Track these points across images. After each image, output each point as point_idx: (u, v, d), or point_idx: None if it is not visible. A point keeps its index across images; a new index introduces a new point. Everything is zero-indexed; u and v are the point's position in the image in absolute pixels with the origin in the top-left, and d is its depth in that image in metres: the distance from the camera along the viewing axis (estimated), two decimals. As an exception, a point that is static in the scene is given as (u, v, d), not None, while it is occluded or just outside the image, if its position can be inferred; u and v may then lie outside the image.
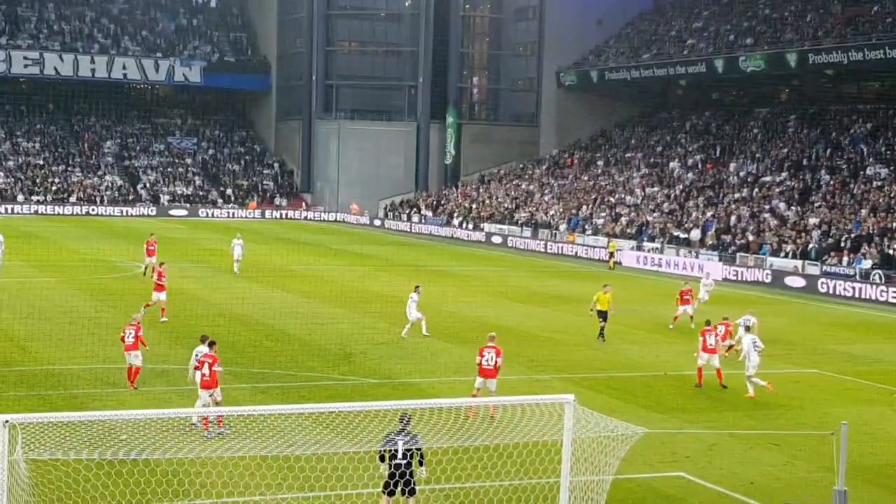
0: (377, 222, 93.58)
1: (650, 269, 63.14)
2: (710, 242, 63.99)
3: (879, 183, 62.63)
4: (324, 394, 25.52)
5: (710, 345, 28.70)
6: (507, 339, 33.35)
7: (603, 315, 35.29)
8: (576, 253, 70.44)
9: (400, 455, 15.60)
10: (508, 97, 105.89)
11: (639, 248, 67.33)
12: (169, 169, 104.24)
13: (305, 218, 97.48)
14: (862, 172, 65.06)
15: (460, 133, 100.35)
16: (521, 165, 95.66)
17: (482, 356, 23.85)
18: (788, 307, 47.56)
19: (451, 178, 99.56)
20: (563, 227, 75.81)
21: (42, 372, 27.18)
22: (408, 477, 15.61)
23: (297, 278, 49.46)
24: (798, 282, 54.94)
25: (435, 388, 26.51)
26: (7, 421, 12.17)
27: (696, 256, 62.80)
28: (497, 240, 78.54)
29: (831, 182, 65.50)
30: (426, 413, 15.70)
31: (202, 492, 16.88)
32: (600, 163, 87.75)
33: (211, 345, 22.25)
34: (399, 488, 15.73)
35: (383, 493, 16.01)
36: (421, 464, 15.92)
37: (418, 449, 15.75)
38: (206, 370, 21.45)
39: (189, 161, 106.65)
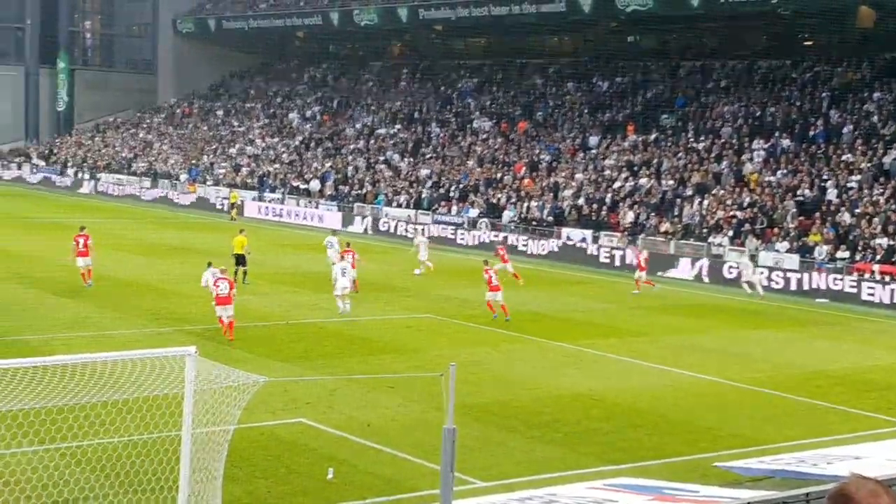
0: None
1: (272, 220, 63.62)
2: (330, 193, 65.32)
3: (485, 136, 66.22)
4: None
5: (495, 283, 31.72)
6: (127, 292, 32.70)
7: (240, 259, 36.74)
8: (197, 204, 69.68)
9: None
10: (124, 43, 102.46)
11: (260, 198, 67.58)
12: None
13: None
14: (469, 126, 68.49)
15: (73, 79, 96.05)
16: (138, 114, 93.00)
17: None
18: (398, 255, 49.20)
19: (65, 125, 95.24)
20: (183, 177, 74.63)
21: None
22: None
23: None
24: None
25: (50, 345, 25.63)
26: None
27: (317, 206, 63.97)
28: (114, 190, 76.14)
29: (441, 134, 68.54)
30: (39, 371, 15.23)
31: None
32: (220, 112, 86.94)
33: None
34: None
35: None
36: None
37: None
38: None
39: None
